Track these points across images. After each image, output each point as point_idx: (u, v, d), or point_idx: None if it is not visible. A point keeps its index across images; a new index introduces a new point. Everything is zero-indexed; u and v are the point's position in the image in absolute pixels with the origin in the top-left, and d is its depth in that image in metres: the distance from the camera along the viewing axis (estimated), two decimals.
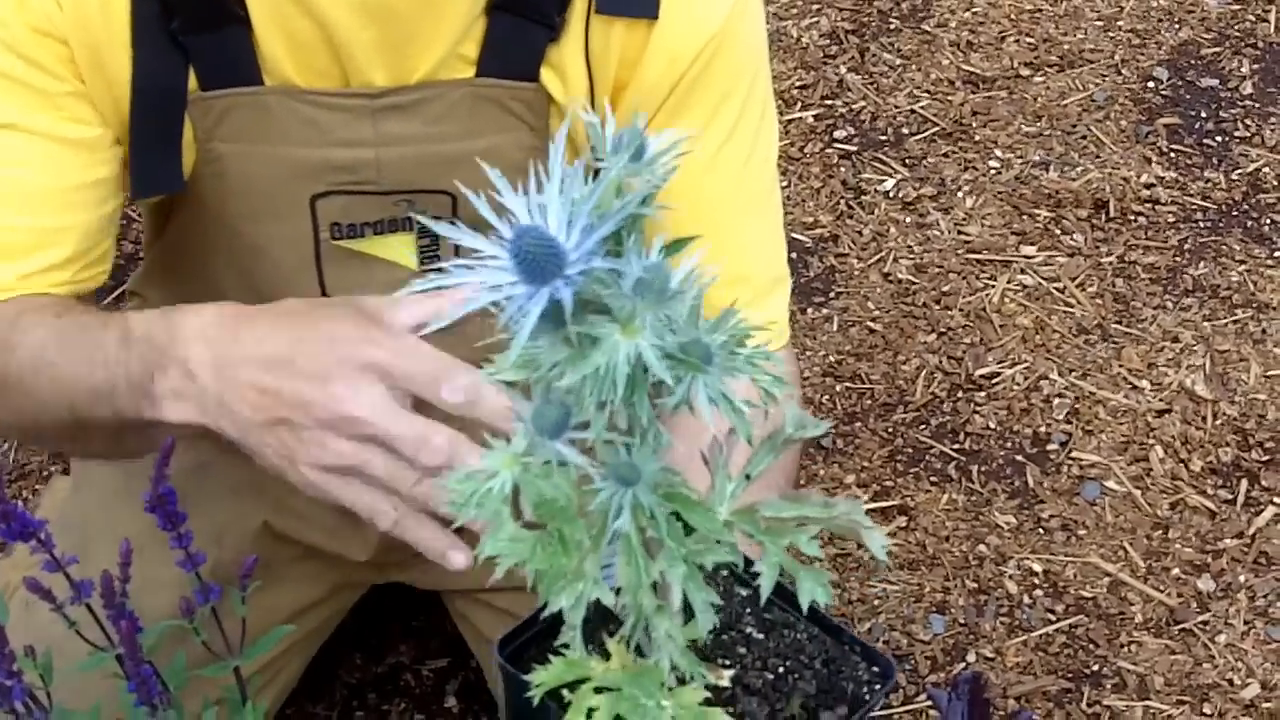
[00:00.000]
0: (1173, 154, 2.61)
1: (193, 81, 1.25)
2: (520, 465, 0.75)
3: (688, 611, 0.80)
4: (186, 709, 1.15)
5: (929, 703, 1.83)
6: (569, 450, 0.72)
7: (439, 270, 0.69)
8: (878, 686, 0.94)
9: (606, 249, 0.69)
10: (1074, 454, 2.13)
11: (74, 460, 1.67)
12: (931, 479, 2.11)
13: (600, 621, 0.84)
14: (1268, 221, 2.48)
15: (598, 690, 0.82)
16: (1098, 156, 2.59)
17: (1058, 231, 2.46)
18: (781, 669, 0.95)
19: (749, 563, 0.81)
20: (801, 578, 0.81)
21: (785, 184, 2.52)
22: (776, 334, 1.37)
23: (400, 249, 1.35)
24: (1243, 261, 2.41)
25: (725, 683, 0.91)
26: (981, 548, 2.02)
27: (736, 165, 1.34)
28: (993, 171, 2.57)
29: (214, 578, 1.17)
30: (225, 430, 1.11)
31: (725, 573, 0.93)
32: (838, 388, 2.23)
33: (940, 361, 2.26)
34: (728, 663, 0.94)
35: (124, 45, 1.21)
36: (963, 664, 1.90)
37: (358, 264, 1.35)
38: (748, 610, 0.97)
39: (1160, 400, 2.19)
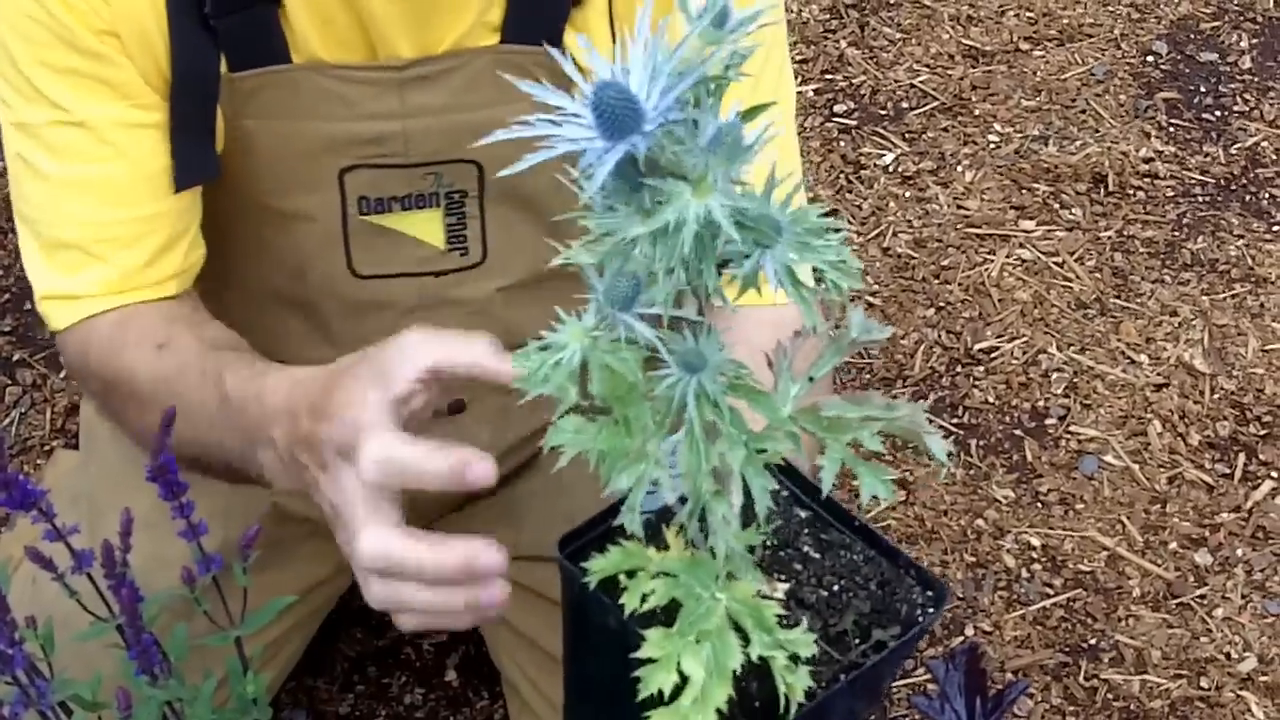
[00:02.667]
0: (1171, 128, 2.61)
1: (222, 64, 1.25)
2: (590, 339, 0.76)
3: (746, 517, 0.81)
4: (189, 683, 1.16)
5: (927, 675, 1.84)
6: (639, 323, 0.73)
7: (523, 123, 0.70)
8: (931, 610, 0.95)
9: (683, 108, 0.70)
10: (1072, 428, 2.13)
11: (82, 435, 1.68)
12: (930, 453, 2.11)
13: (660, 520, 0.85)
14: (1266, 196, 2.48)
15: (654, 577, 0.82)
16: (1097, 131, 2.59)
17: (1056, 206, 2.46)
18: (836, 587, 0.95)
19: (806, 482, 0.81)
20: (862, 472, 0.82)
21: None
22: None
23: (427, 226, 1.36)
24: (1241, 236, 2.41)
25: (780, 595, 0.92)
26: (980, 522, 2.03)
27: (745, 93, 1.35)
28: (992, 146, 2.57)
29: (221, 555, 1.18)
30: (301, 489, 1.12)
31: (785, 493, 0.92)
32: None
33: (939, 336, 2.27)
34: (783, 577, 0.94)
35: (165, 33, 1.22)
36: (961, 638, 1.91)
37: (385, 240, 1.35)
38: (805, 530, 0.98)
39: (1158, 375, 2.20)
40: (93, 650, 1.20)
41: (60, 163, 1.24)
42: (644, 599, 0.82)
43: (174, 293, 1.30)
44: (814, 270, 0.74)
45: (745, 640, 0.81)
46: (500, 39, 1.27)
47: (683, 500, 0.81)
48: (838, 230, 0.74)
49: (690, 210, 0.69)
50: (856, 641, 0.92)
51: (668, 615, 0.82)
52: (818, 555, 0.97)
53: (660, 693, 0.79)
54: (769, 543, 0.97)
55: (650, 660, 0.79)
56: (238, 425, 1.15)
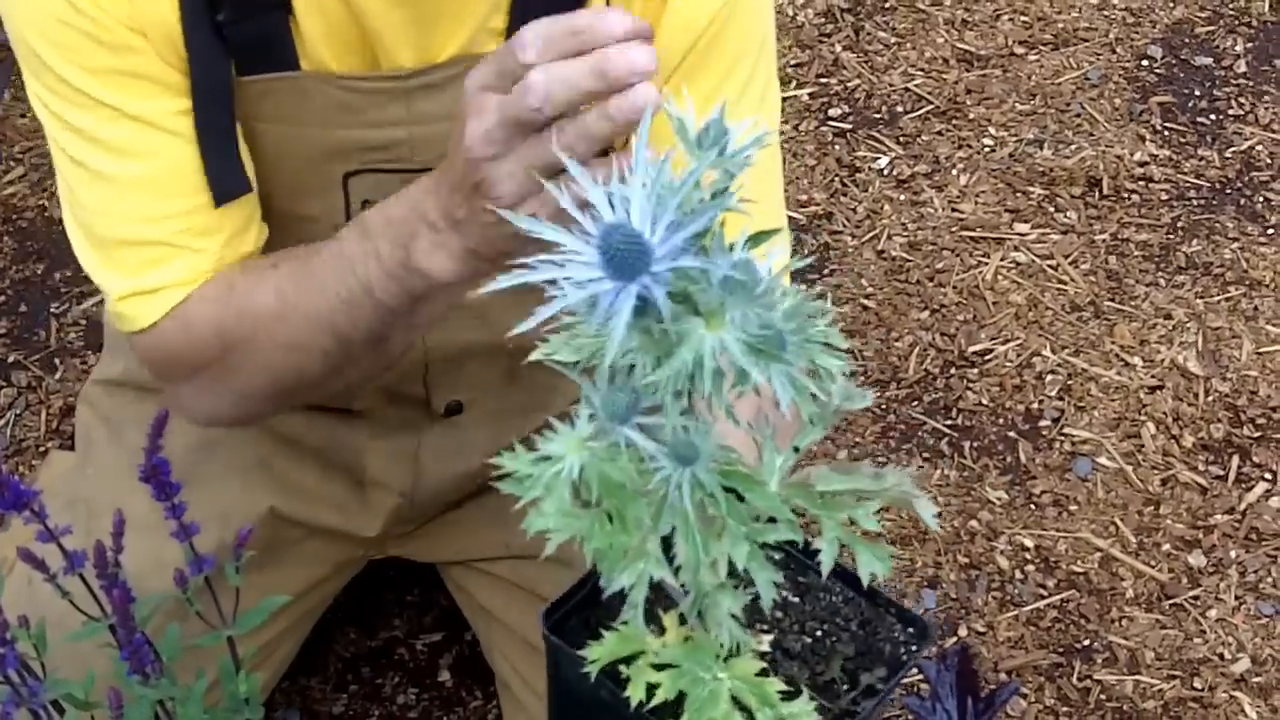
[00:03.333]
0: (1166, 132, 2.61)
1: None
2: (586, 450, 0.76)
3: (739, 584, 0.81)
4: (182, 683, 1.16)
5: (920, 676, 1.84)
6: (639, 435, 0.74)
7: (523, 266, 0.69)
8: (914, 647, 0.95)
9: (693, 247, 0.70)
10: (1066, 430, 2.14)
11: (79, 439, 1.68)
12: (924, 455, 2.12)
13: (648, 600, 0.84)
14: (1260, 199, 2.49)
15: (656, 667, 0.82)
16: (1091, 134, 2.60)
17: (1051, 209, 2.47)
18: (819, 632, 0.96)
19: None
20: (861, 551, 0.82)
21: None
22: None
23: None
24: (1235, 239, 2.42)
25: (765, 648, 0.92)
26: (973, 523, 2.03)
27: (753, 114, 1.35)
28: (986, 149, 2.58)
29: (215, 556, 1.18)
30: (470, 248, 1.09)
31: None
32: None
33: (933, 338, 2.27)
34: (765, 628, 0.94)
35: (182, 41, 1.21)
36: (954, 639, 1.91)
37: None
38: (782, 575, 0.98)
39: (1152, 377, 2.20)
40: (86, 650, 1.20)
41: (124, 161, 1.22)
42: (649, 691, 0.81)
43: None
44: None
45: (749, 718, 0.81)
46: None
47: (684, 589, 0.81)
48: (825, 313, 0.74)
49: (706, 346, 0.69)
50: (845, 688, 0.93)
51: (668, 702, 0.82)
52: (797, 599, 0.97)
53: None
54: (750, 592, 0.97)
55: None
56: (389, 239, 1.12)
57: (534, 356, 0.75)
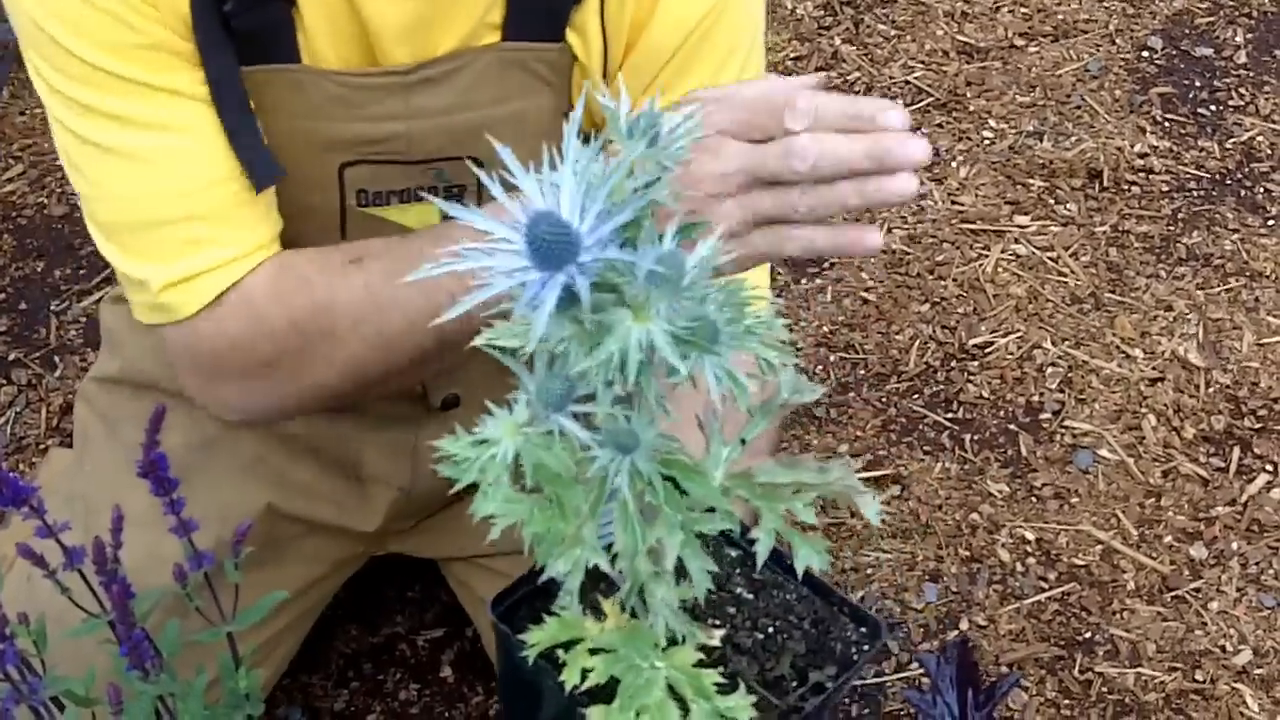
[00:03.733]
0: (1167, 123, 2.61)
1: None
2: (522, 435, 0.76)
3: (680, 574, 0.81)
4: (181, 680, 1.16)
5: (921, 669, 1.84)
6: (570, 423, 0.74)
7: (453, 255, 0.69)
8: (866, 647, 0.95)
9: (621, 239, 0.70)
10: (1067, 422, 2.14)
11: (77, 436, 1.67)
12: (925, 448, 2.11)
13: (593, 583, 0.84)
14: (1261, 190, 2.49)
15: (592, 651, 0.83)
16: (1092, 126, 2.59)
17: (1051, 201, 2.46)
18: (771, 629, 0.96)
19: (745, 528, 0.82)
20: (797, 544, 0.82)
21: None
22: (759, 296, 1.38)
23: (424, 218, 1.36)
24: (1236, 230, 2.42)
25: (715, 642, 0.92)
26: (974, 516, 2.03)
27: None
28: (986, 142, 2.57)
29: (214, 553, 1.18)
30: None
31: (718, 534, 0.94)
32: (831, 358, 2.23)
33: (934, 331, 2.27)
34: (718, 623, 0.95)
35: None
36: (955, 632, 1.91)
37: (381, 231, 1.35)
38: (737, 571, 0.98)
39: (1153, 369, 2.20)
40: (86, 647, 1.20)
41: (160, 134, 1.20)
42: (584, 675, 0.82)
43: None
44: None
45: (685, 709, 0.81)
46: (501, 37, 1.27)
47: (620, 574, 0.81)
48: (760, 299, 0.74)
49: (633, 338, 0.69)
50: (794, 685, 0.93)
51: (605, 688, 0.82)
52: (751, 596, 0.97)
53: None
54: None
55: None
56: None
57: (476, 342, 0.75)
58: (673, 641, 0.84)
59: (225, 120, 1.22)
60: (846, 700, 1.81)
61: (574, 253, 0.67)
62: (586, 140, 0.73)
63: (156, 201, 1.22)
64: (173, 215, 1.22)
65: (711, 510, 0.80)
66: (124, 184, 1.22)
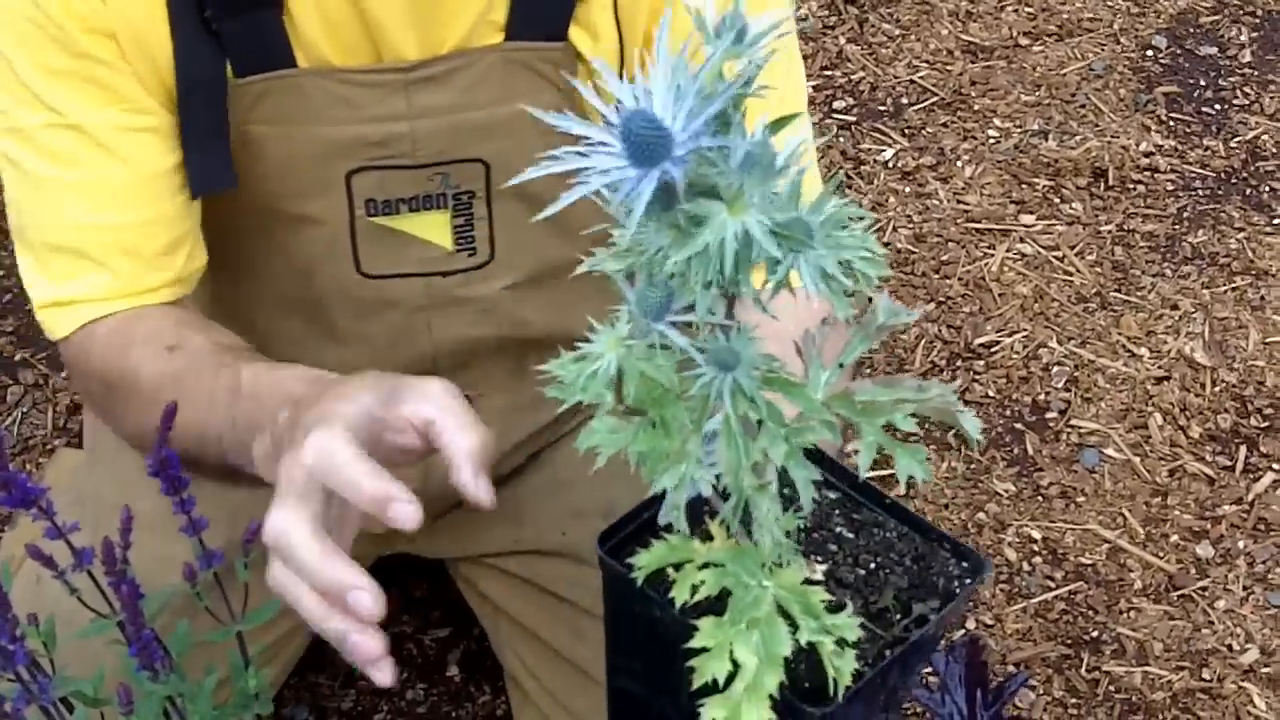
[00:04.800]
0: (1171, 122, 2.61)
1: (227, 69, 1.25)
2: (624, 348, 0.77)
3: (784, 500, 0.82)
4: (190, 681, 1.16)
5: (928, 671, 1.84)
6: (672, 332, 0.74)
7: (552, 158, 0.70)
8: (968, 580, 0.96)
9: (712, 130, 0.70)
10: (1073, 421, 2.14)
11: (87, 437, 1.68)
12: (931, 447, 2.11)
13: (697, 510, 0.85)
14: (1266, 189, 2.48)
15: (701, 569, 0.83)
16: (1096, 125, 2.59)
17: (1057, 200, 2.46)
18: (873, 564, 0.96)
19: (834, 464, 0.82)
20: (899, 454, 0.83)
21: None
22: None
23: (435, 228, 1.36)
24: (1241, 229, 2.42)
25: (819, 576, 0.93)
26: (981, 515, 2.03)
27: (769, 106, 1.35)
28: (992, 141, 2.57)
29: (223, 553, 1.18)
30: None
31: (820, 476, 0.94)
32: None
33: (939, 330, 2.27)
34: (820, 559, 0.95)
35: (166, 37, 1.21)
36: (962, 631, 1.91)
37: (392, 241, 1.35)
38: (837, 512, 0.99)
39: (1159, 367, 2.20)
40: (95, 648, 1.20)
41: (56, 167, 1.24)
42: (693, 590, 0.82)
43: (172, 299, 1.29)
44: (842, 262, 0.75)
45: (793, 626, 0.82)
46: (505, 37, 1.27)
47: (724, 495, 0.82)
48: (862, 219, 0.75)
49: (729, 229, 0.69)
50: (898, 617, 0.93)
51: (713, 608, 0.82)
52: (852, 535, 0.98)
53: (714, 681, 0.79)
54: (803, 526, 0.98)
55: (703, 650, 0.80)
56: (245, 414, 1.14)
57: (581, 269, 0.76)
58: (778, 563, 0.84)
59: (186, 122, 1.24)
60: None
61: (668, 148, 0.68)
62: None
63: (46, 224, 1.26)
64: (57, 241, 1.26)
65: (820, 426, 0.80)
66: (23, 198, 1.27)
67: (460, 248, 1.37)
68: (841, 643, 0.82)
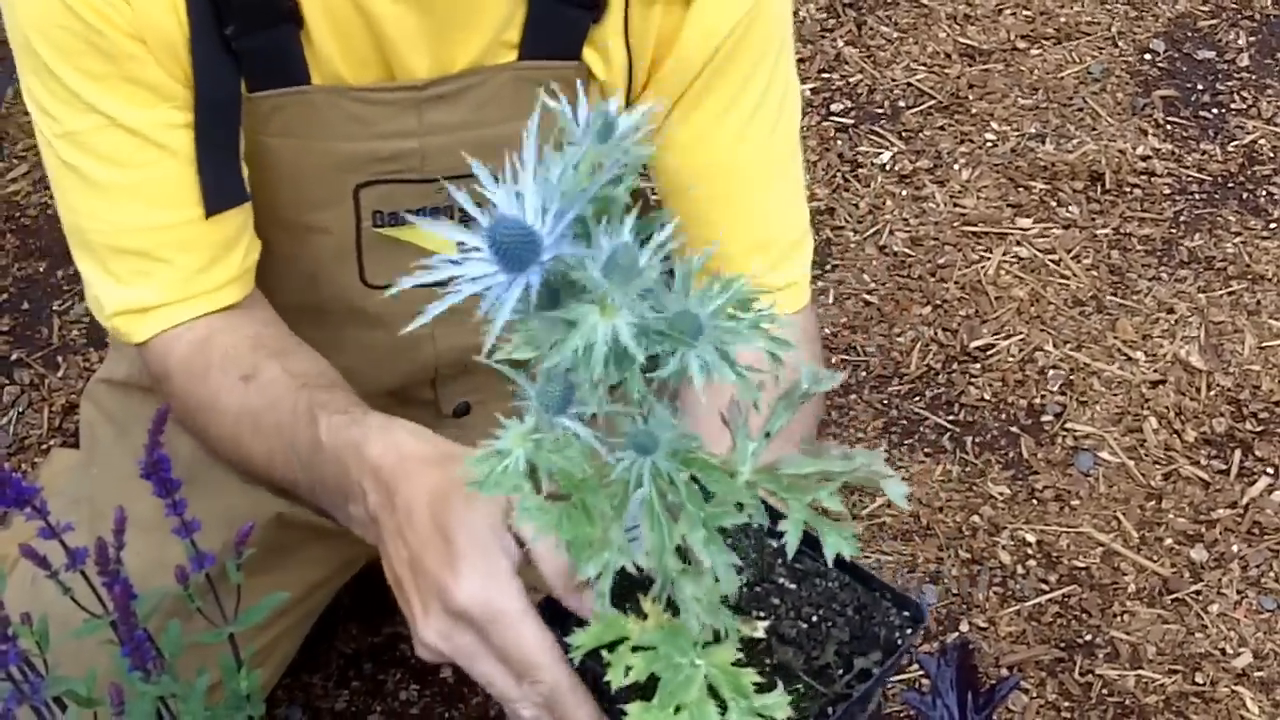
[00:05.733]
0: (1169, 126, 2.61)
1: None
2: (532, 442, 0.77)
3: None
4: (183, 681, 1.16)
5: (920, 671, 1.84)
6: (576, 424, 0.75)
7: (424, 268, 0.70)
8: (909, 630, 0.96)
9: (576, 233, 0.71)
10: (1068, 425, 2.14)
11: (83, 438, 1.68)
12: (926, 450, 2.11)
13: (638, 583, 0.86)
14: (1263, 193, 2.49)
15: (635, 650, 0.84)
16: (1094, 129, 2.59)
17: (1053, 204, 2.47)
18: (815, 617, 0.97)
19: (777, 517, 0.82)
20: (825, 532, 0.82)
21: None
22: (796, 295, 1.38)
23: (441, 239, 1.36)
24: (1238, 233, 2.42)
25: (760, 634, 0.93)
26: (975, 518, 2.03)
27: (764, 133, 1.35)
28: (989, 144, 2.58)
29: (216, 572, 1.18)
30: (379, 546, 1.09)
31: (758, 525, 0.95)
32: (833, 360, 2.23)
33: (935, 333, 2.27)
34: (762, 614, 0.96)
35: (188, 54, 1.21)
36: (956, 633, 1.91)
37: (397, 251, 1.36)
38: (780, 561, 0.99)
39: (1155, 371, 2.20)
40: (89, 648, 1.20)
41: (112, 169, 1.24)
42: (627, 671, 0.83)
43: (240, 296, 1.29)
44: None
45: (723, 707, 0.82)
46: (518, 56, 1.27)
47: (650, 580, 0.83)
48: (762, 294, 0.75)
49: (598, 332, 0.70)
50: (840, 672, 0.94)
51: (648, 687, 0.83)
52: (794, 586, 0.98)
53: None
54: (747, 580, 0.98)
55: None
56: (332, 477, 1.12)
57: (496, 358, 0.76)
58: (716, 639, 0.85)
59: (202, 139, 1.24)
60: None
61: (536, 253, 0.68)
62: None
63: (108, 226, 1.26)
64: (120, 244, 1.26)
65: (740, 506, 0.81)
66: (82, 202, 1.27)
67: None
68: None
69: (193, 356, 1.26)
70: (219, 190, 1.26)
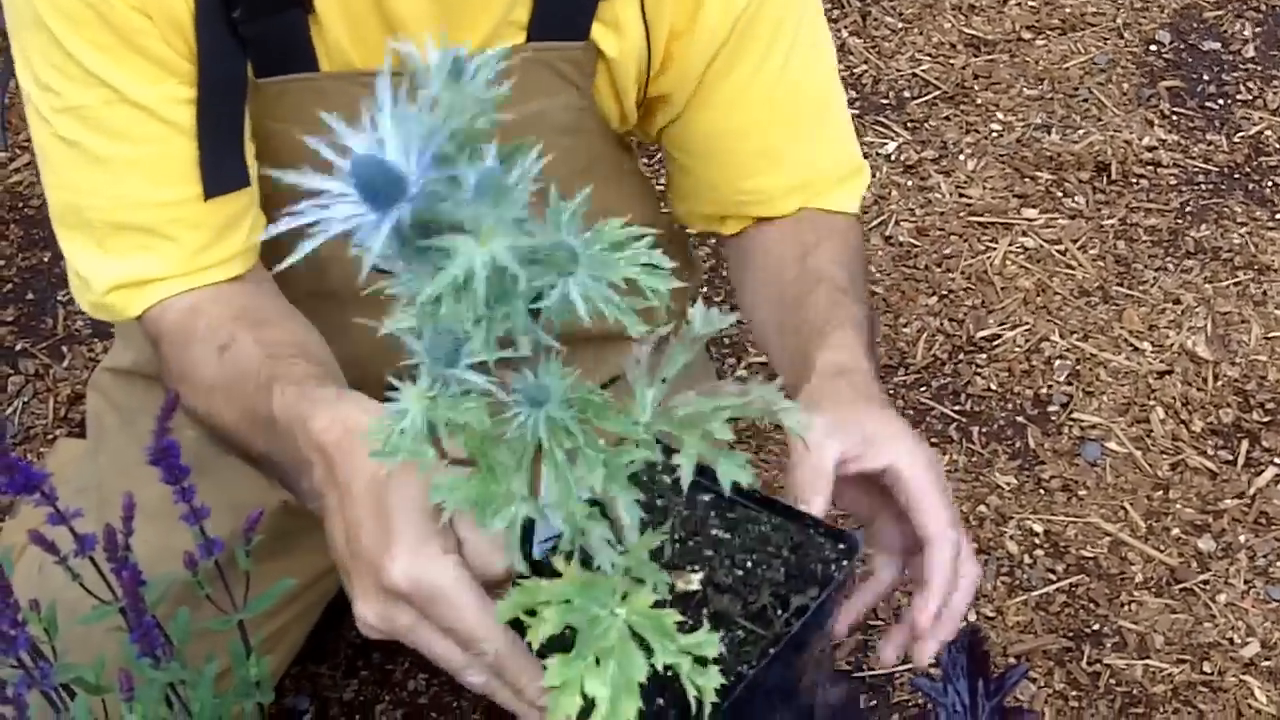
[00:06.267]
0: (1174, 117, 2.60)
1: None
2: (428, 400, 0.76)
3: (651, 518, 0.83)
4: (192, 668, 1.16)
5: (929, 663, 1.84)
6: (470, 374, 0.74)
7: (291, 214, 0.70)
8: (845, 562, 0.96)
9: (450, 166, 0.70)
10: (1075, 415, 2.14)
11: (90, 426, 1.67)
12: (932, 440, 2.11)
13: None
14: (1269, 184, 2.48)
15: (554, 606, 0.83)
16: (1099, 120, 2.59)
17: (1059, 194, 2.46)
18: (749, 563, 0.97)
19: (673, 453, 0.82)
20: (720, 461, 0.82)
21: None
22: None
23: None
24: (1244, 224, 2.41)
25: (695, 586, 0.93)
26: (982, 508, 2.03)
27: (797, 81, 1.36)
28: (994, 134, 2.57)
29: (225, 559, 1.18)
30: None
31: (690, 480, 0.92)
32: None
33: (941, 324, 2.27)
34: (696, 567, 0.96)
35: (193, 35, 1.21)
36: (963, 623, 1.90)
37: None
38: (713, 514, 0.99)
39: (1161, 361, 2.20)
40: (96, 636, 1.20)
41: (117, 144, 1.23)
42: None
43: (241, 270, 1.29)
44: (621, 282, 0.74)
45: (649, 652, 0.81)
46: (527, 37, 1.27)
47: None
48: (641, 237, 0.74)
49: (476, 260, 0.68)
50: (779, 612, 0.94)
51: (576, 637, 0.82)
52: (727, 535, 0.98)
53: (568, 718, 0.79)
54: (678, 535, 0.98)
55: (554, 688, 0.79)
56: (283, 451, 1.12)
57: (384, 330, 0.75)
58: (637, 585, 0.83)
59: (205, 120, 1.23)
60: (860, 690, 1.82)
61: (403, 189, 0.68)
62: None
63: (109, 202, 1.25)
64: (124, 220, 1.25)
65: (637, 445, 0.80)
66: (82, 179, 1.26)
67: None
68: (702, 661, 0.81)
69: (179, 326, 1.26)
70: (218, 174, 1.25)
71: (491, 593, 0.93)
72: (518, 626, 0.84)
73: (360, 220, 0.69)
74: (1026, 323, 2.26)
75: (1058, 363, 2.20)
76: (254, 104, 1.25)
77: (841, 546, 0.97)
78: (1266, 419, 2.12)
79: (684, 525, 0.99)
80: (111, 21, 1.18)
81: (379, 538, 0.95)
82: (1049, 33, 2.76)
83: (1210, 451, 2.09)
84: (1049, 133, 2.56)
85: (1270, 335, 2.23)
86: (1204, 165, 2.51)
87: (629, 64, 1.29)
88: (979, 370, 2.20)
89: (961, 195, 2.46)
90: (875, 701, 1.79)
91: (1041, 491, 2.05)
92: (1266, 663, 1.86)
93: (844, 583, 0.97)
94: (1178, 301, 2.29)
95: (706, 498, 1.01)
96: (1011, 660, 1.84)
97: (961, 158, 2.53)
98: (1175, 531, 2.00)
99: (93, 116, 1.22)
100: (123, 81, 1.21)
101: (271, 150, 1.29)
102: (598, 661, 0.80)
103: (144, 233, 1.25)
